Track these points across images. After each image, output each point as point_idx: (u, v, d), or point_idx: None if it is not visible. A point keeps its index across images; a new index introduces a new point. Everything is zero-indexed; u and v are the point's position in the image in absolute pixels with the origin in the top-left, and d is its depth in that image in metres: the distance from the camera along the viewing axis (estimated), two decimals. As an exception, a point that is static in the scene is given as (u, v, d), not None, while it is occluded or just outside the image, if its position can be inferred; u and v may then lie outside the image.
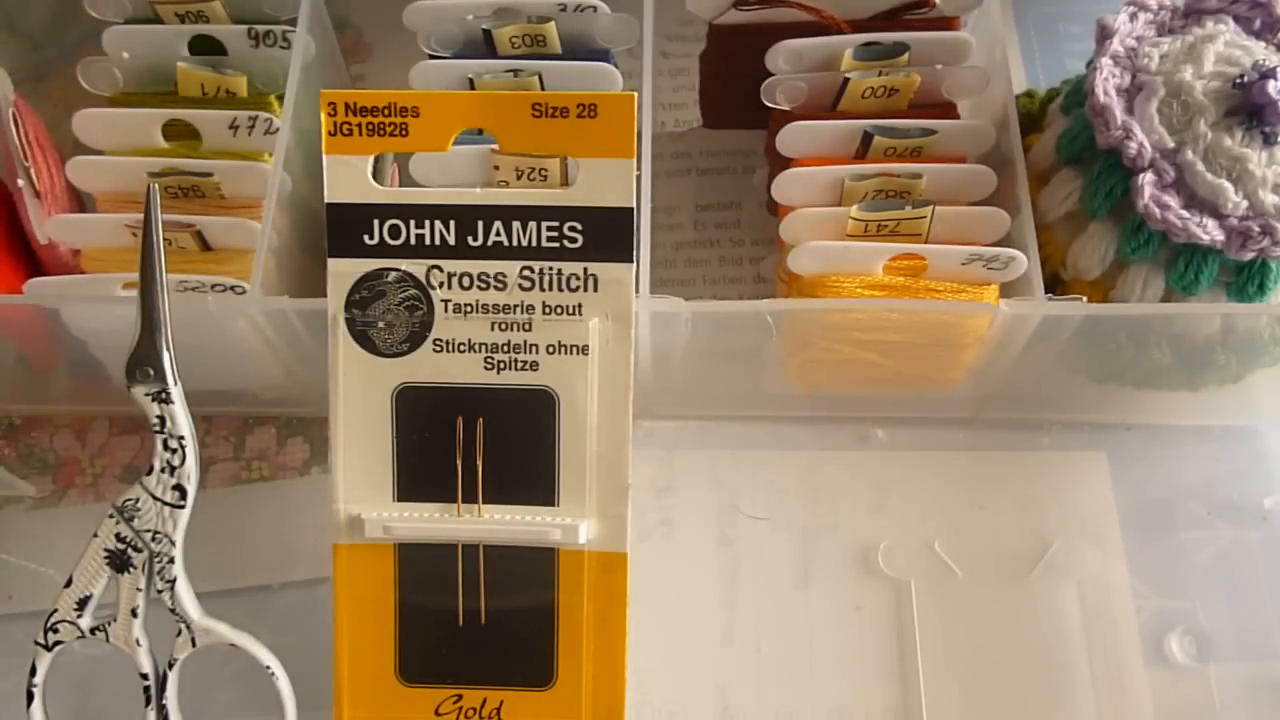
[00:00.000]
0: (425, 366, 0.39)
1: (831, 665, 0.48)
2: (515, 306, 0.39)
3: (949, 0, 0.48)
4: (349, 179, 0.39)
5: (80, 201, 0.49)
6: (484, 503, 0.40)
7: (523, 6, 0.47)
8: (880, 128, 0.46)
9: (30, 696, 0.41)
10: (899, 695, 0.47)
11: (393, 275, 0.39)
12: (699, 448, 0.52)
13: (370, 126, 0.38)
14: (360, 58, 0.62)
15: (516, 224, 0.39)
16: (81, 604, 0.41)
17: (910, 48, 0.47)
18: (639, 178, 0.42)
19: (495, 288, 0.39)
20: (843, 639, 0.48)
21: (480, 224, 0.39)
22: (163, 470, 0.40)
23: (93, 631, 0.41)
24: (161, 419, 0.40)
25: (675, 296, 0.43)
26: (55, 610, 0.41)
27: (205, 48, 0.48)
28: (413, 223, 0.39)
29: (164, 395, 0.40)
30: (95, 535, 0.41)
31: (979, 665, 0.48)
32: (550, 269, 0.39)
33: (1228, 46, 0.43)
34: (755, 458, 0.52)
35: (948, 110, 0.48)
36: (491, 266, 0.39)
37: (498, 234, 0.39)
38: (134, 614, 0.41)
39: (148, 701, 0.41)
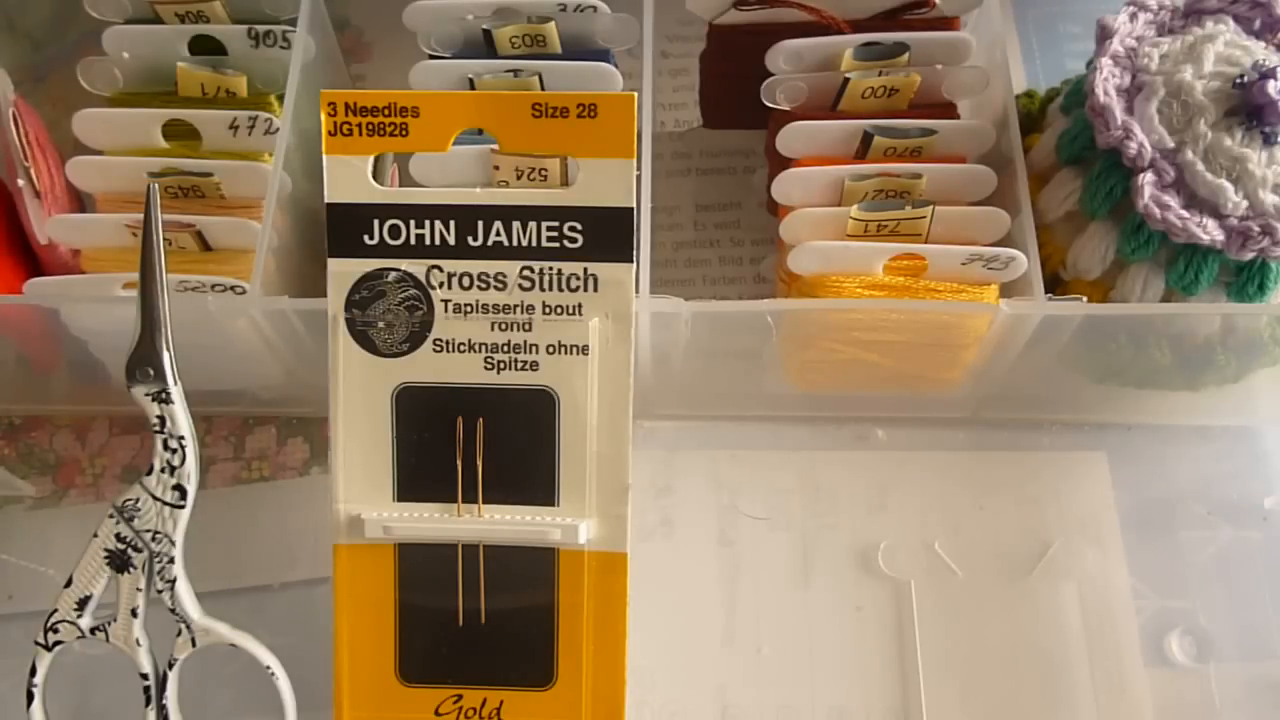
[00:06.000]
0: (425, 366, 0.39)
1: (831, 665, 0.48)
2: (515, 306, 0.39)
3: (949, 0, 0.48)
4: (349, 179, 0.39)
5: (80, 201, 0.49)
6: (484, 503, 0.40)
7: (523, 6, 0.47)
8: (880, 128, 0.46)
9: (30, 696, 0.41)
10: (899, 695, 0.47)
11: (393, 275, 0.39)
12: (699, 448, 0.52)
13: (370, 126, 0.38)
14: (360, 58, 0.62)
15: (516, 224, 0.39)
16: (81, 604, 0.41)
17: (910, 48, 0.47)
18: (639, 178, 0.42)
19: (495, 288, 0.39)
20: (843, 639, 0.48)
21: (480, 224, 0.39)
22: (163, 470, 0.40)
23: (93, 631, 0.41)
24: (161, 419, 0.40)
25: (675, 296, 0.43)
26: (55, 610, 0.41)
27: (205, 48, 0.48)
28: (413, 223, 0.39)
29: (164, 395, 0.40)
30: (95, 535, 0.41)
31: (979, 665, 0.48)
32: (550, 269, 0.39)
33: (1228, 46, 0.43)
34: (755, 458, 0.52)
35: (948, 110, 0.48)
36: (491, 266, 0.39)
37: (498, 234, 0.39)
38: (134, 614, 0.41)
39: (148, 701, 0.41)
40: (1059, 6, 0.62)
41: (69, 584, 0.41)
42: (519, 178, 0.44)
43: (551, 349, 0.39)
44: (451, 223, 0.39)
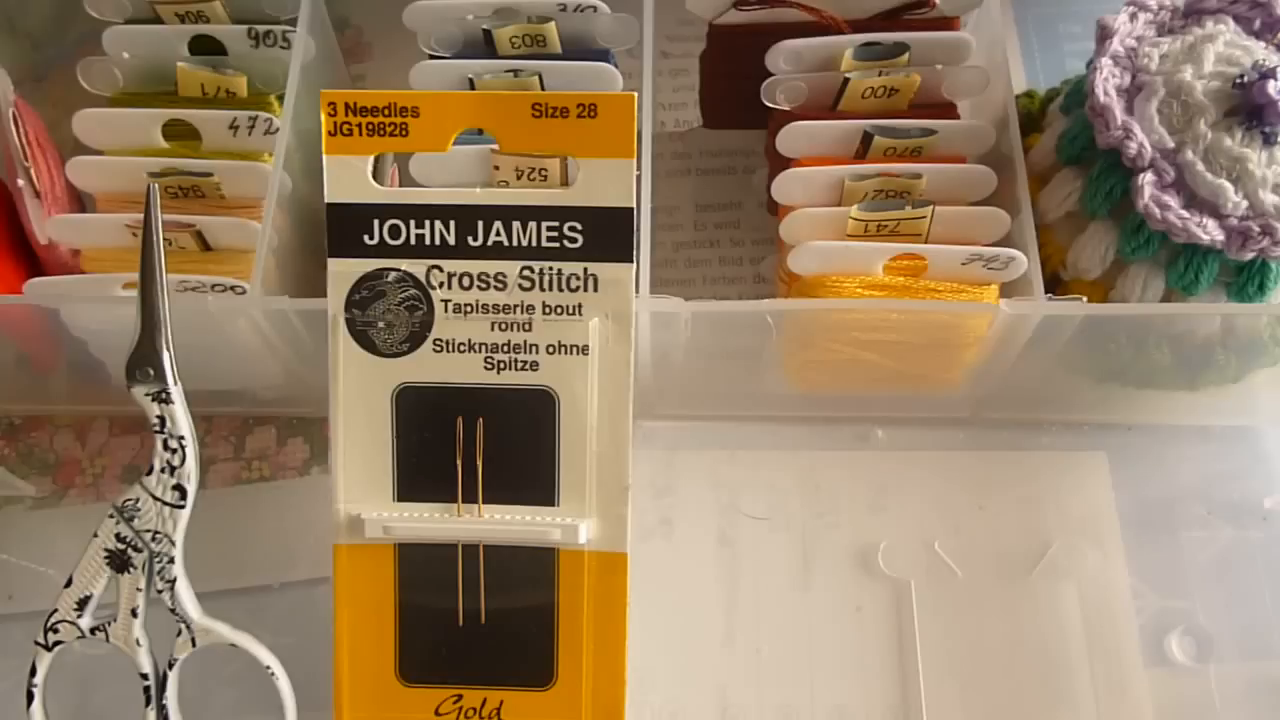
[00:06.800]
0: (425, 366, 0.39)
1: (831, 665, 0.48)
2: (515, 306, 0.39)
3: (949, 0, 0.48)
4: (349, 179, 0.39)
5: (80, 201, 0.49)
6: (484, 503, 0.40)
7: (523, 6, 0.47)
8: (880, 128, 0.46)
9: (30, 696, 0.41)
10: (899, 695, 0.47)
11: (393, 275, 0.39)
12: (699, 448, 0.52)
13: (370, 126, 0.38)
14: (360, 58, 0.62)
15: (516, 224, 0.39)
16: (81, 604, 0.41)
17: (910, 48, 0.47)
18: (639, 178, 0.42)
19: (495, 288, 0.39)
20: (843, 639, 0.48)
21: (480, 224, 0.39)
22: (163, 470, 0.40)
23: (93, 631, 0.41)
24: (161, 419, 0.40)
25: (675, 296, 0.43)
26: (55, 610, 0.41)
27: (205, 48, 0.48)
28: (413, 223, 0.39)
29: (164, 395, 0.40)
30: (95, 535, 0.41)
31: (979, 665, 0.48)
32: (550, 269, 0.39)
33: (1228, 46, 0.43)
34: (755, 458, 0.52)
35: (948, 110, 0.48)
36: (491, 266, 0.39)
37: (498, 234, 0.39)
38: (134, 614, 0.41)
39: (148, 701, 0.41)
40: (1059, 6, 0.62)
41: (69, 584, 0.41)
42: (519, 178, 0.44)
43: (551, 349, 0.39)
44: (451, 223, 0.39)
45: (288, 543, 0.50)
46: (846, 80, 0.47)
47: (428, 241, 0.39)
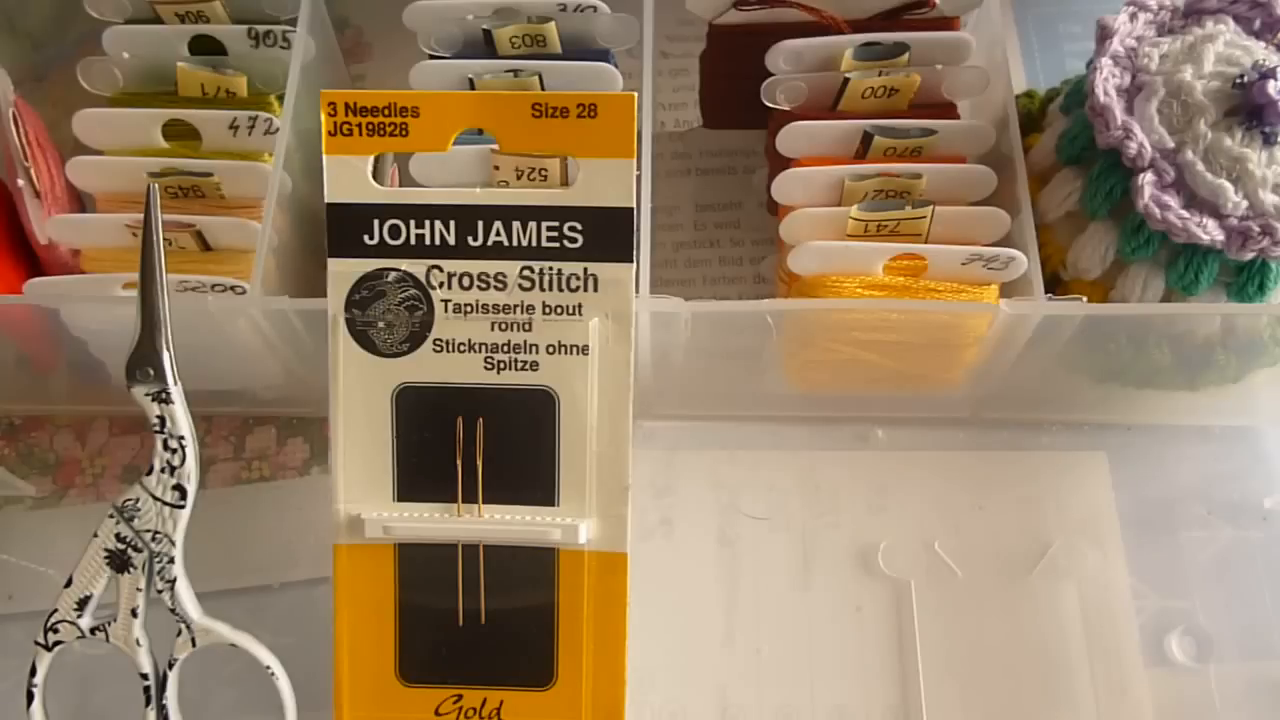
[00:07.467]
0: (425, 366, 0.39)
1: (831, 665, 0.48)
2: (515, 306, 0.39)
3: (949, 0, 0.48)
4: (349, 179, 0.39)
5: (80, 201, 0.49)
6: (484, 503, 0.40)
7: (523, 6, 0.47)
8: (880, 128, 0.46)
9: (30, 696, 0.41)
10: (899, 695, 0.47)
11: (393, 275, 0.39)
12: (699, 448, 0.52)
13: (370, 126, 0.38)
14: (360, 58, 0.62)
15: (516, 224, 0.39)
16: (81, 604, 0.41)
17: (910, 48, 0.47)
18: (639, 178, 0.42)
19: (495, 288, 0.39)
20: (843, 639, 0.48)
21: (480, 224, 0.39)
22: (163, 470, 0.40)
23: (93, 631, 0.41)
24: (161, 419, 0.40)
25: (675, 296, 0.43)
26: (55, 610, 0.41)
27: (205, 48, 0.48)
28: (413, 223, 0.39)
29: (164, 395, 0.40)
30: (95, 535, 0.41)
31: (979, 665, 0.48)
32: (550, 269, 0.39)
33: (1228, 46, 0.43)
34: (755, 458, 0.52)
35: (948, 110, 0.48)
36: (491, 266, 0.39)
37: (498, 234, 0.39)
38: (134, 614, 0.41)
39: (148, 701, 0.41)
40: (1059, 6, 0.63)
41: (69, 584, 0.41)
42: (519, 178, 0.44)
43: (551, 349, 0.39)
44: (451, 223, 0.39)
45: (288, 543, 0.50)
46: (846, 80, 0.47)
47: (428, 241, 0.39)
